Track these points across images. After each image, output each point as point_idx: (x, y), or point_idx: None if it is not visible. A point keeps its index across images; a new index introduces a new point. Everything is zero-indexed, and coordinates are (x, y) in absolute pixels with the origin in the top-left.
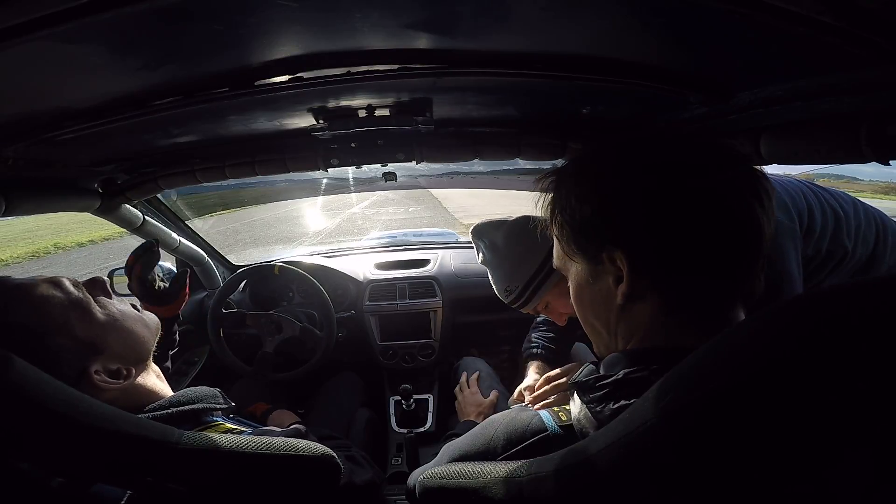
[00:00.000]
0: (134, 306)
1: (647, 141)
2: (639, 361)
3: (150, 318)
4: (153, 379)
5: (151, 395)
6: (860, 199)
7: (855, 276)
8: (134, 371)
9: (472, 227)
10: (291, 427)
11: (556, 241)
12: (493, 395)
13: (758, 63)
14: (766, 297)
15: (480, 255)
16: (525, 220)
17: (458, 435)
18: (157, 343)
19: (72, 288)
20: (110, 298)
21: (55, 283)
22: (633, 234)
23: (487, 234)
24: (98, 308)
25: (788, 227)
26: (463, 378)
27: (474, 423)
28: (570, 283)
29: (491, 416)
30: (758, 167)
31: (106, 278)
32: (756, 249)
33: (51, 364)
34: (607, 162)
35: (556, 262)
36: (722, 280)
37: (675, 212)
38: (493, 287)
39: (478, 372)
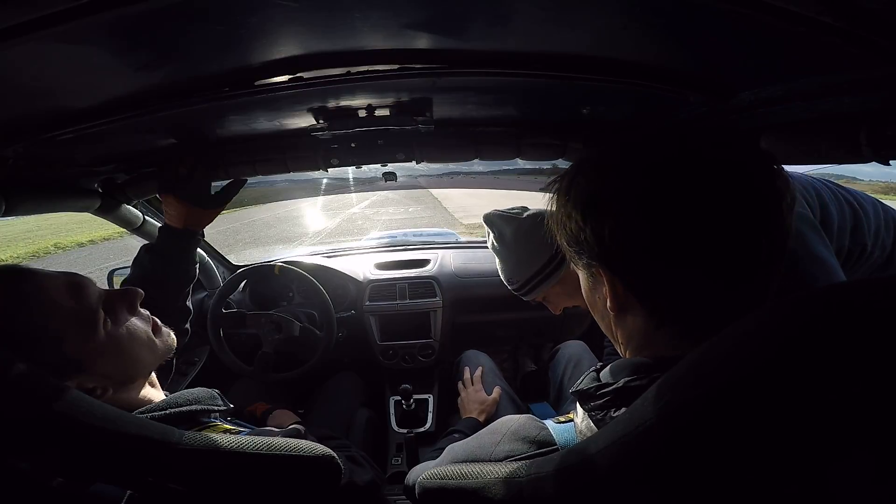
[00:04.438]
0: (155, 323)
1: (629, 145)
2: (640, 370)
3: (164, 342)
4: (140, 391)
5: (135, 403)
6: None
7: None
8: (111, 390)
9: (485, 214)
10: (290, 427)
11: None
12: (495, 392)
13: (758, 63)
14: (794, 287)
15: (490, 239)
16: (539, 219)
17: (460, 431)
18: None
19: (90, 298)
20: (133, 314)
21: (75, 288)
22: (611, 249)
23: (497, 225)
24: (104, 327)
25: (802, 215)
26: (466, 374)
27: (476, 420)
28: (581, 286)
29: (499, 420)
30: (774, 166)
31: (141, 292)
32: (755, 257)
33: None
34: (586, 173)
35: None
36: (715, 291)
37: (652, 225)
38: (498, 271)
39: (481, 367)
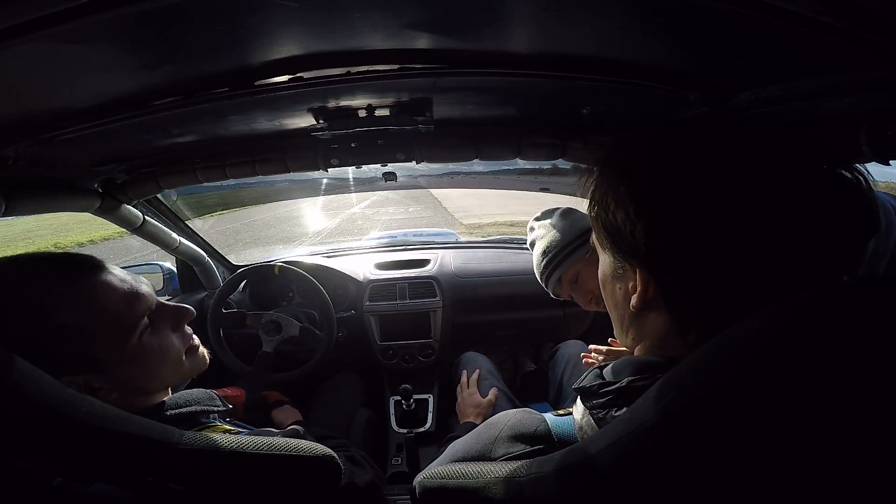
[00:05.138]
0: (192, 345)
1: (682, 138)
2: (644, 370)
3: (194, 364)
4: (149, 398)
5: (136, 407)
6: None
7: None
8: (116, 394)
9: (539, 213)
10: (290, 427)
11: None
12: (491, 393)
13: (758, 63)
14: None
15: (533, 233)
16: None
17: (457, 437)
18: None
19: (140, 307)
20: (175, 331)
21: (131, 296)
22: (661, 253)
23: (545, 214)
24: (138, 339)
25: None
26: (463, 377)
27: (473, 424)
28: (599, 267)
29: (496, 415)
30: (849, 167)
31: (192, 312)
32: (809, 282)
33: (47, 359)
34: (643, 163)
35: (593, 238)
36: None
37: (716, 238)
38: (533, 263)
39: (478, 370)
